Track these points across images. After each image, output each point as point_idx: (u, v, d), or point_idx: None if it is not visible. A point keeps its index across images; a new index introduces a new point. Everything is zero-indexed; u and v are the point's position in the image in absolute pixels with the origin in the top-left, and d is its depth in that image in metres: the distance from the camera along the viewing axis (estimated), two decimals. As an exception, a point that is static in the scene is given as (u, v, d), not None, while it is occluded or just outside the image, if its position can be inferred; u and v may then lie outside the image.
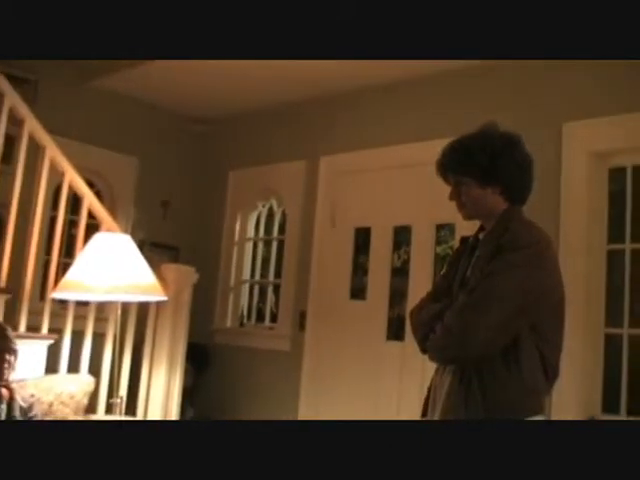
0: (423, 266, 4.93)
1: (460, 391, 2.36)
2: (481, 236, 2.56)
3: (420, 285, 4.77)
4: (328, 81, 5.34)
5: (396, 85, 5.18)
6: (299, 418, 5.34)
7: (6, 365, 3.24)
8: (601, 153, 4.27)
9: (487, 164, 2.46)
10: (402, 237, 5.20)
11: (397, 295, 5.11)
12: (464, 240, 2.67)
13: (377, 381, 5.01)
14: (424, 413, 2.57)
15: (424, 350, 2.49)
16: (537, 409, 2.35)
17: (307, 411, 5.34)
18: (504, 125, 2.56)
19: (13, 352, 3.29)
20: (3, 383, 3.29)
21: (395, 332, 5.05)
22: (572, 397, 3.99)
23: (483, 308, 2.30)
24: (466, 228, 3.23)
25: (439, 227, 4.98)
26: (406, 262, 5.14)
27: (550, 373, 2.38)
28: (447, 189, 2.60)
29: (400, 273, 5.17)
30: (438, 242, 4.98)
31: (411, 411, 4.48)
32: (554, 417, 3.71)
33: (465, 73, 4.65)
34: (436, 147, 2.63)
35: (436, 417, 2.46)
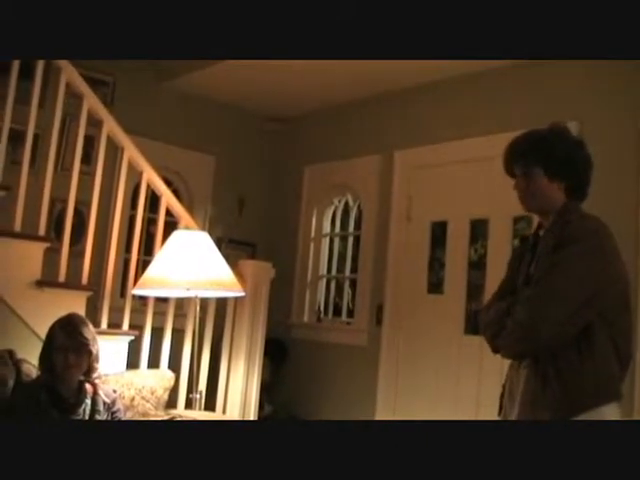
0: (500, 259, 4.83)
1: (537, 383, 2.36)
2: (541, 232, 2.57)
3: (497, 278, 4.62)
4: (401, 75, 5.31)
5: (470, 78, 5.12)
6: (376, 412, 5.33)
7: (74, 363, 3.30)
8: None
9: (563, 157, 2.48)
10: (479, 230, 5.13)
11: (474, 289, 5.06)
12: (524, 239, 2.69)
13: (455, 375, 4.97)
14: (501, 410, 2.56)
15: (495, 349, 2.51)
16: (613, 396, 2.35)
17: (384, 405, 5.34)
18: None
19: (85, 351, 3.34)
20: (87, 379, 3.36)
21: (473, 326, 4.99)
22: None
23: (551, 300, 2.31)
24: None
25: (516, 220, 4.90)
26: (483, 256, 5.08)
27: (623, 360, 2.39)
28: (525, 182, 2.58)
29: (477, 267, 5.10)
30: (515, 235, 4.90)
31: (491, 406, 4.40)
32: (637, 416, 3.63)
33: (540, 65, 4.55)
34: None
35: (514, 411, 2.45)
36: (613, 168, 2.53)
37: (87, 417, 3.29)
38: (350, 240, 6.21)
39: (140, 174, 4.49)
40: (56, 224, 4.76)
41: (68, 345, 3.30)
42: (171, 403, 4.18)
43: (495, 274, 4.80)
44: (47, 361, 3.32)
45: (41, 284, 4.02)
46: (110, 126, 4.35)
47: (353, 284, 6.02)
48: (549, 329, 2.30)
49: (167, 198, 4.55)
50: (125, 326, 4.33)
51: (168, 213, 4.56)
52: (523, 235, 2.73)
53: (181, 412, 4.13)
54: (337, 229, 6.35)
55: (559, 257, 2.35)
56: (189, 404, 4.15)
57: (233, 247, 6.04)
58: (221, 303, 4.57)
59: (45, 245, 4.11)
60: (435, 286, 5.34)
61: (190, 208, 5.72)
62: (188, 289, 3.92)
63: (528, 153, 2.53)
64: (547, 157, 2.49)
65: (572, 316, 2.30)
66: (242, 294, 4.23)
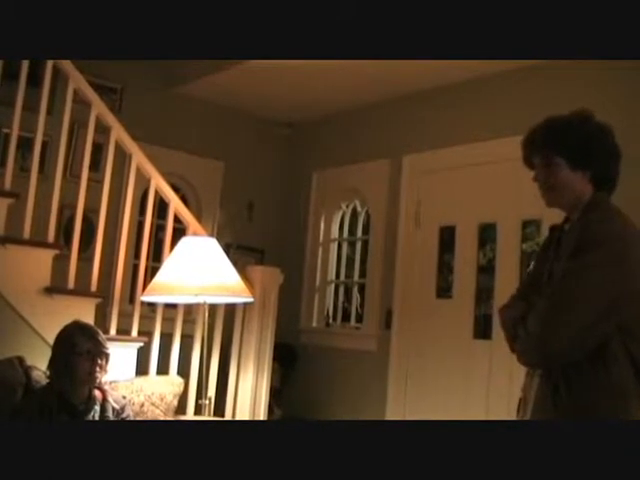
0: (509, 263, 4.86)
1: (547, 395, 2.28)
2: (567, 227, 2.44)
3: (506, 283, 4.70)
4: (409, 80, 5.31)
5: (479, 81, 5.11)
6: (386, 417, 5.32)
7: (98, 368, 3.31)
8: None
9: (583, 145, 2.35)
10: (487, 234, 5.13)
11: (483, 293, 5.05)
12: (553, 229, 2.54)
13: (465, 380, 4.96)
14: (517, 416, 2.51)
15: (514, 349, 2.41)
16: (626, 415, 2.21)
17: (394, 410, 5.32)
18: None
19: (105, 355, 3.36)
20: (96, 385, 3.36)
21: (482, 330, 4.99)
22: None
23: (563, 312, 2.19)
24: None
25: (525, 223, 4.89)
26: (492, 260, 5.07)
27: None
28: (533, 185, 2.51)
29: (486, 271, 5.10)
30: (524, 239, 4.90)
31: (500, 410, 4.42)
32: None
33: (550, 67, 4.53)
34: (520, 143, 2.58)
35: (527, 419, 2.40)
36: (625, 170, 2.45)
37: (96, 424, 3.30)
38: (358, 245, 6.21)
39: (148, 180, 4.49)
40: (65, 231, 4.78)
41: (94, 350, 3.31)
42: (180, 409, 4.18)
43: (504, 278, 4.81)
44: (65, 367, 3.30)
45: (50, 291, 4.02)
46: (118, 133, 4.36)
47: (362, 289, 6.01)
48: (561, 343, 2.19)
49: (175, 204, 4.55)
50: (134, 332, 4.33)
51: (176, 219, 4.56)
52: (552, 225, 2.56)
53: (190, 418, 4.13)
54: (345, 234, 6.35)
55: (576, 263, 2.21)
56: (198, 410, 4.15)
57: (241, 253, 6.03)
58: (230, 309, 4.57)
59: (54, 252, 4.12)
60: (444, 290, 5.33)
61: (198, 214, 5.73)
62: (197, 295, 3.92)
63: (547, 141, 2.39)
64: (568, 144, 2.34)
65: (587, 330, 2.17)
66: (251, 300, 4.24)
